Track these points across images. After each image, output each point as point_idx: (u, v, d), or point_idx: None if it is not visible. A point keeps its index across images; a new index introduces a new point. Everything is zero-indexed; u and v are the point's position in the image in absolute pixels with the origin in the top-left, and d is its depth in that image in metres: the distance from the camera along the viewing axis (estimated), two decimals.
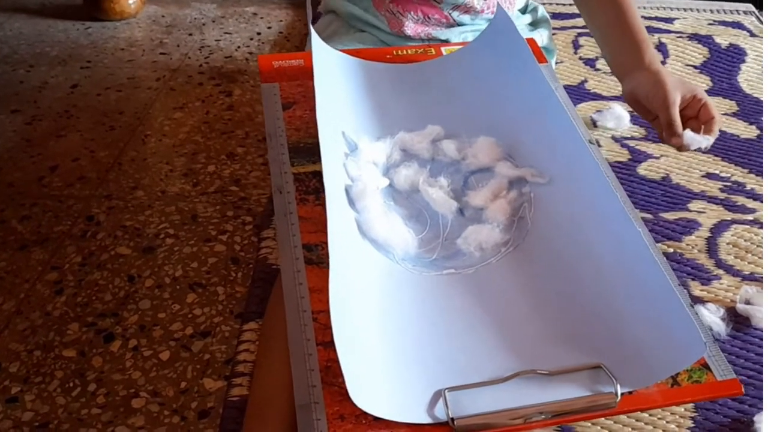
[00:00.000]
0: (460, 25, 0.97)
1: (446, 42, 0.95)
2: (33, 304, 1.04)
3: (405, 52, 0.84)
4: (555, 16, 1.59)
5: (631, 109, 1.30)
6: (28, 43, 1.70)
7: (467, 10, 0.95)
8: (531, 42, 0.84)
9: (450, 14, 0.94)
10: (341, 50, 0.80)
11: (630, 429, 0.82)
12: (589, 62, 1.46)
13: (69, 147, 1.35)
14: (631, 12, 0.90)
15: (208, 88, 1.54)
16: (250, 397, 0.76)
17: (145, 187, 1.26)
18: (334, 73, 0.76)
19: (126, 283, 1.07)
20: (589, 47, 1.50)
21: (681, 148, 0.82)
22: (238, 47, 1.71)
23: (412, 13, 0.93)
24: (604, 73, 1.42)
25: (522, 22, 1.04)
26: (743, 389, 0.58)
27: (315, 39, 0.75)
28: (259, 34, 1.77)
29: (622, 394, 0.54)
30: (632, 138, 1.26)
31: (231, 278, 1.08)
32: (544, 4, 1.16)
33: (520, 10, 1.04)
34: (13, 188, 1.25)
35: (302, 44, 1.71)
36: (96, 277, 1.08)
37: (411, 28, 0.94)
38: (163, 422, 0.89)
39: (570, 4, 1.67)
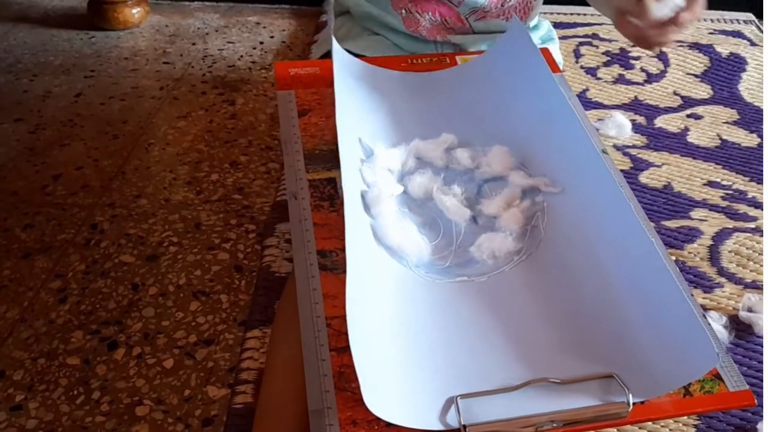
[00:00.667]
0: (474, 33, 0.97)
1: (460, 47, 0.96)
2: (37, 312, 1.04)
3: (420, 61, 0.84)
4: (556, 25, 1.60)
5: (632, 118, 1.31)
6: (31, 53, 1.70)
7: (484, 15, 0.95)
8: (545, 52, 0.84)
9: (467, 18, 0.95)
10: (354, 53, 0.81)
11: None
12: (591, 71, 1.47)
13: (72, 156, 1.36)
14: None
15: (212, 97, 1.55)
16: (259, 403, 0.76)
17: (148, 195, 1.26)
18: (351, 80, 0.77)
19: (130, 291, 1.07)
20: (590, 56, 1.50)
21: (651, 17, 0.73)
22: (241, 56, 1.71)
23: (429, 14, 0.94)
24: (605, 82, 1.43)
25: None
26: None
27: (336, 46, 0.75)
28: (262, 43, 1.78)
29: (633, 403, 0.54)
30: (634, 146, 1.27)
31: (234, 286, 1.09)
32: (544, 13, 1.17)
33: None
34: (17, 197, 1.25)
35: (305, 53, 1.71)
36: (100, 285, 1.08)
37: (426, 29, 0.94)
38: (167, 430, 0.89)
39: (571, 14, 1.68)
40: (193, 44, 1.76)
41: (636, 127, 1.30)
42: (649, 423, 0.84)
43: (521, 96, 0.76)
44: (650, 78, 1.44)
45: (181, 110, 1.50)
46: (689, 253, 1.06)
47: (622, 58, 1.49)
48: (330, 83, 0.73)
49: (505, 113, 0.76)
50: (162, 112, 1.49)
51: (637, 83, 1.43)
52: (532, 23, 1.04)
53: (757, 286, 1.01)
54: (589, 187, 0.67)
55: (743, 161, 1.24)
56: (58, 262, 1.12)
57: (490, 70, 0.80)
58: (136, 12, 1.80)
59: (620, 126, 1.29)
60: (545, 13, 1.65)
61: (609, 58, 1.50)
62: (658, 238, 0.65)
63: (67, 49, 1.72)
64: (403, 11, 0.95)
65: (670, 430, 0.84)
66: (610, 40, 1.55)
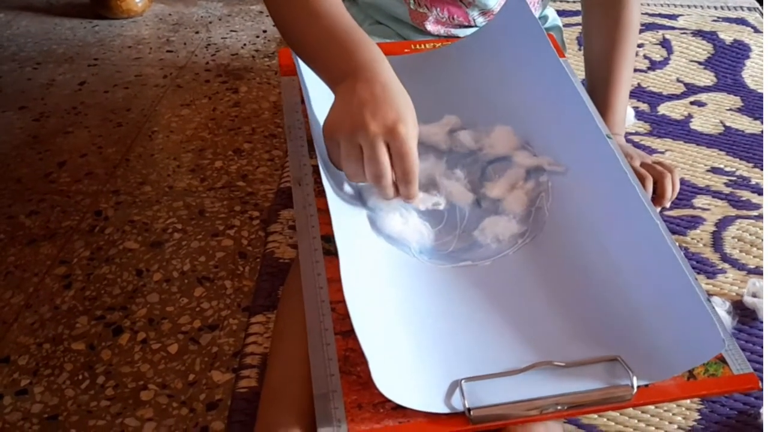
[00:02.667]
0: (478, 27, 0.97)
1: None
2: (42, 297, 1.04)
3: (423, 46, 0.84)
4: (560, 13, 1.60)
5: (635, 105, 1.31)
6: (35, 41, 1.70)
7: (492, 17, 0.95)
8: (550, 37, 0.84)
9: (474, 19, 0.94)
10: None
11: (636, 421, 0.83)
12: None
13: (76, 143, 1.36)
14: (619, 65, 0.95)
15: (215, 85, 1.55)
16: (264, 387, 0.76)
17: (152, 182, 1.27)
18: None
19: (134, 277, 1.08)
20: None
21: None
22: (244, 45, 1.71)
23: (437, 9, 0.93)
24: None
25: None
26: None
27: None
28: (265, 31, 1.78)
29: (638, 386, 0.54)
30: (637, 133, 1.26)
31: (238, 272, 1.09)
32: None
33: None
34: (21, 184, 1.26)
35: None
36: (104, 271, 1.08)
37: (432, 24, 0.94)
38: (171, 414, 0.89)
39: (574, 1, 1.68)
40: (197, 33, 1.76)
41: (639, 114, 1.30)
42: (652, 407, 0.84)
43: (523, 72, 0.75)
44: (653, 65, 1.44)
45: (185, 98, 1.50)
46: (692, 239, 1.06)
47: None
48: None
49: (508, 90, 0.75)
50: (165, 100, 1.49)
51: (641, 70, 1.42)
52: (537, 15, 1.04)
53: (760, 272, 1.01)
54: (594, 167, 0.67)
55: (747, 147, 1.24)
56: (63, 248, 1.12)
57: (490, 46, 0.79)
58: (139, 1, 1.80)
59: None
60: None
61: None
62: (663, 221, 0.65)
63: (70, 38, 1.72)
64: (411, 3, 0.94)
65: (673, 414, 0.84)
66: None
